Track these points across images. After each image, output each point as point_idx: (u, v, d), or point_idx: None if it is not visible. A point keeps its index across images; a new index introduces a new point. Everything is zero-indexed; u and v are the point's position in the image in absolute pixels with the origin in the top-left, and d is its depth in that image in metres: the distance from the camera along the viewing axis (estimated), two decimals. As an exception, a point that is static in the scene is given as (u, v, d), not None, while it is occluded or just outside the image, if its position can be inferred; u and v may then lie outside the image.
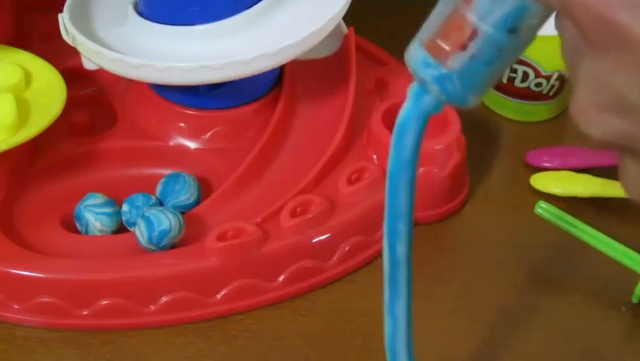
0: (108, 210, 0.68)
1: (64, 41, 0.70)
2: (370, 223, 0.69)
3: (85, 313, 0.65)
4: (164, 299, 0.65)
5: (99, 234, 0.68)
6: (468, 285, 0.68)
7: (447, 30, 0.41)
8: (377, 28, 0.84)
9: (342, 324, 0.66)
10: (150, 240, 0.65)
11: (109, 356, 0.64)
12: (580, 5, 0.37)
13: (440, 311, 0.66)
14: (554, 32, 0.79)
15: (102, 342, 0.65)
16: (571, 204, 0.71)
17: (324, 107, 0.75)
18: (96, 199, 0.68)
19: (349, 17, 0.73)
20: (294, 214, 0.67)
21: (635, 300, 0.66)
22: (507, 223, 0.72)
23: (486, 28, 0.40)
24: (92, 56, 0.69)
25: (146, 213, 0.65)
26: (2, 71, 0.71)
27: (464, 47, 0.40)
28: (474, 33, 0.40)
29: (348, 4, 0.71)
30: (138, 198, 0.69)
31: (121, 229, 0.69)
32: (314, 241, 0.67)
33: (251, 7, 0.70)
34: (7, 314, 0.65)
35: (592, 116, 0.38)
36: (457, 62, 0.41)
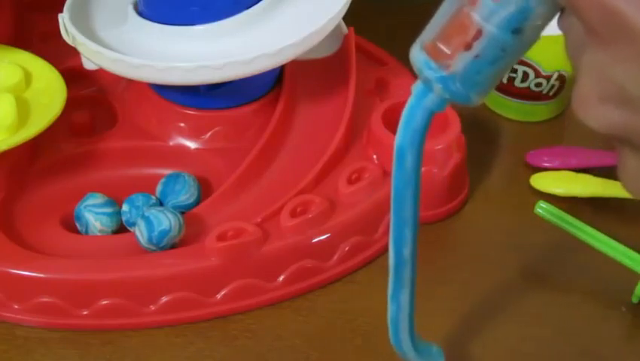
0: (108, 210, 0.68)
1: (64, 41, 0.70)
2: (370, 223, 0.69)
3: (85, 313, 0.65)
4: (164, 299, 0.65)
5: (99, 234, 0.68)
6: (468, 285, 0.68)
7: (450, 32, 0.41)
8: (377, 28, 0.84)
9: (342, 324, 0.66)
10: (150, 240, 0.65)
11: (109, 356, 0.64)
12: None
13: (440, 311, 0.66)
14: (554, 32, 0.79)
15: (102, 342, 0.65)
16: (571, 204, 0.71)
17: (324, 107, 0.75)
18: (95, 199, 0.68)
19: (349, 17, 0.73)
20: (294, 214, 0.67)
21: (635, 300, 0.66)
22: (507, 223, 0.72)
23: (490, 28, 0.40)
24: (92, 56, 0.69)
25: (146, 213, 0.65)
26: (2, 71, 0.71)
27: (468, 47, 0.41)
28: (479, 33, 0.40)
29: (348, 4, 0.71)
30: (138, 198, 0.69)
31: (121, 229, 0.69)
32: (314, 241, 0.67)
33: (251, 7, 0.70)
34: (7, 314, 0.65)
35: (593, 108, 0.38)
36: (461, 62, 0.41)
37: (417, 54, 0.42)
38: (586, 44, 0.39)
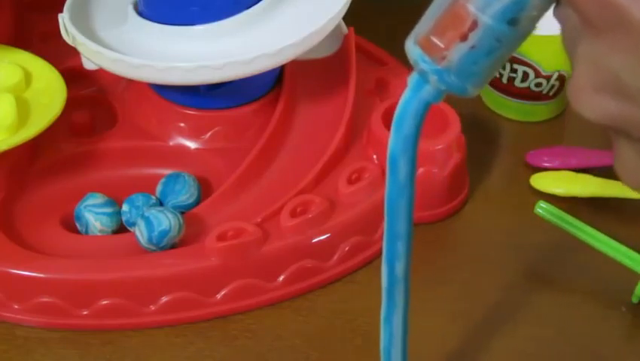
0: (108, 210, 0.68)
1: (64, 41, 0.70)
2: (370, 223, 0.69)
3: (85, 313, 0.65)
4: (164, 299, 0.65)
5: (99, 234, 0.68)
6: (468, 285, 0.68)
7: (444, 24, 0.41)
8: (377, 28, 0.84)
9: (342, 324, 0.66)
10: (150, 240, 0.65)
11: (109, 356, 0.64)
12: None
13: (440, 311, 0.66)
14: (554, 32, 0.79)
15: (102, 342, 0.65)
16: (571, 204, 0.71)
17: (324, 107, 0.75)
18: (96, 199, 0.68)
19: (349, 17, 0.73)
20: (294, 214, 0.67)
21: (635, 300, 0.66)
22: (507, 223, 0.72)
23: (486, 19, 0.40)
24: (92, 56, 0.69)
25: (146, 214, 0.65)
26: (2, 71, 0.71)
27: (464, 38, 0.41)
28: (474, 24, 0.40)
29: (348, 4, 0.71)
30: (138, 198, 0.69)
31: (121, 229, 0.69)
32: (314, 241, 0.67)
33: (251, 7, 0.70)
34: (7, 314, 0.65)
35: (588, 98, 0.39)
36: (457, 53, 0.41)
37: (412, 47, 0.42)
38: (581, 35, 0.39)
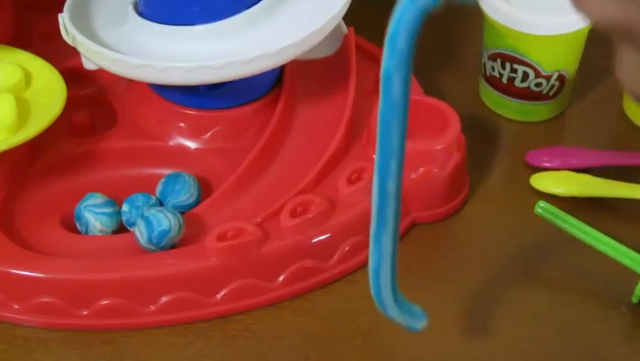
0: (108, 210, 0.68)
1: (64, 41, 0.70)
2: (370, 224, 0.68)
3: (85, 313, 0.65)
4: (164, 299, 0.65)
5: (99, 234, 0.68)
6: (468, 285, 0.68)
7: None
8: (377, 28, 0.83)
9: (342, 324, 0.66)
10: (149, 240, 0.65)
11: (109, 356, 0.64)
12: None
13: (440, 311, 0.66)
14: (554, 32, 0.79)
15: (102, 342, 0.65)
16: (571, 204, 0.71)
17: (324, 107, 0.75)
18: (96, 199, 0.68)
19: (349, 17, 0.73)
20: (294, 214, 0.67)
21: (635, 300, 0.66)
22: (507, 223, 0.72)
23: None
24: (92, 56, 0.69)
25: (146, 214, 0.65)
26: (2, 71, 0.71)
27: None
28: None
29: (348, 4, 0.71)
30: (138, 198, 0.69)
31: (121, 229, 0.69)
32: (314, 241, 0.67)
33: (251, 7, 0.70)
34: (7, 314, 0.65)
35: (593, 0, 0.38)
36: None
37: None
38: None
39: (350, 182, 0.69)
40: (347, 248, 0.68)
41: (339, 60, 0.77)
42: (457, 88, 0.81)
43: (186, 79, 0.67)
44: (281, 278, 0.67)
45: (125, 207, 0.69)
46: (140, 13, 0.71)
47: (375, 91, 0.76)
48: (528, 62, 0.76)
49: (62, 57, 0.74)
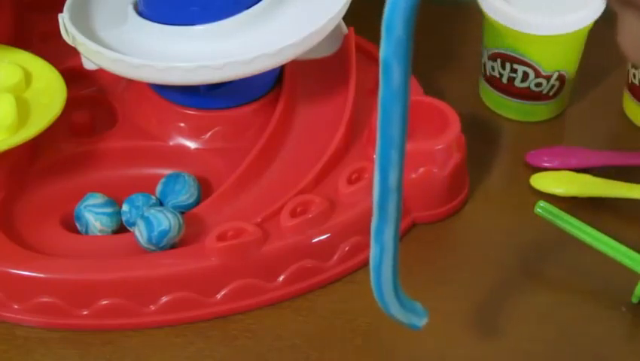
0: (108, 210, 0.68)
1: (64, 41, 0.70)
2: (370, 223, 0.68)
3: (85, 313, 0.65)
4: (164, 299, 0.65)
5: (99, 234, 0.68)
6: (468, 285, 0.68)
7: None
8: (377, 28, 0.83)
9: (342, 324, 0.66)
10: (149, 240, 0.65)
11: (109, 356, 0.64)
12: None
13: (440, 311, 0.66)
14: (554, 32, 0.79)
15: (102, 342, 0.65)
16: (571, 204, 0.71)
17: (324, 107, 0.75)
18: (96, 199, 0.68)
19: (349, 17, 0.73)
20: (294, 214, 0.67)
21: (635, 300, 0.66)
22: (507, 223, 0.72)
23: None
24: (92, 56, 0.69)
25: (145, 214, 0.65)
26: (2, 71, 0.71)
27: None
28: None
29: (348, 4, 0.71)
30: (138, 198, 0.69)
31: (121, 229, 0.69)
32: (314, 241, 0.67)
33: (251, 7, 0.70)
34: (7, 314, 0.65)
35: None
36: None
37: None
38: None
39: (350, 182, 0.69)
40: (347, 248, 0.68)
41: (339, 60, 0.77)
42: (457, 88, 0.81)
43: (186, 79, 0.67)
44: (281, 278, 0.67)
45: (125, 207, 0.69)
46: (140, 13, 0.71)
47: (375, 91, 0.77)
48: (528, 62, 0.76)
49: (62, 57, 0.74)
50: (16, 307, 0.65)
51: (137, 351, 0.64)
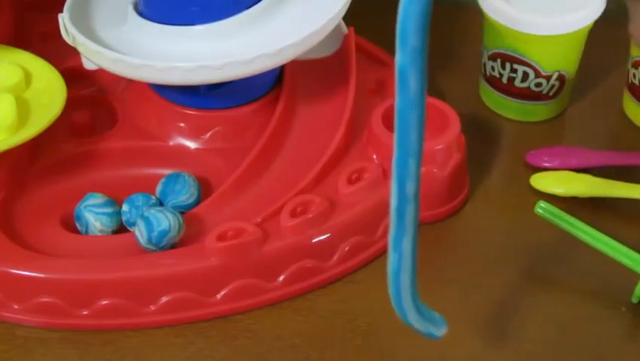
0: (108, 210, 0.68)
1: (64, 41, 0.70)
2: (370, 223, 0.69)
3: (85, 313, 0.65)
4: (164, 299, 0.65)
5: (99, 234, 0.68)
6: (468, 285, 0.68)
7: None
8: (377, 28, 0.84)
9: (342, 324, 0.66)
10: (149, 240, 0.65)
11: (109, 356, 0.64)
12: None
13: (440, 311, 0.66)
14: (554, 32, 0.79)
15: (102, 342, 0.65)
16: (571, 204, 0.71)
17: (324, 107, 0.75)
18: (96, 199, 0.68)
19: (349, 17, 0.73)
20: (294, 214, 0.67)
21: (635, 300, 0.66)
22: (507, 223, 0.72)
23: None
24: (92, 56, 0.69)
25: (145, 214, 0.65)
26: (2, 71, 0.71)
27: None
28: None
29: (348, 4, 0.71)
30: (138, 198, 0.69)
31: (121, 229, 0.69)
32: (314, 241, 0.67)
33: (251, 7, 0.70)
34: (7, 314, 0.65)
35: None
36: None
37: None
38: None
39: (350, 182, 0.69)
40: (347, 248, 0.68)
41: (339, 60, 0.77)
42: (457, 88, 0.81)
43: (186, 79, 0.67)
44: (281, 278, 0.67)
45: (125, 207, 0.69)
46: (140, 13, 0.71)
47: (375, 91, 0.77)
48: (528, 62, 0.76)
49: (62, 57, 0.74)
50: (16, 307, 0.65)
51: (137, 351, 0.64)
